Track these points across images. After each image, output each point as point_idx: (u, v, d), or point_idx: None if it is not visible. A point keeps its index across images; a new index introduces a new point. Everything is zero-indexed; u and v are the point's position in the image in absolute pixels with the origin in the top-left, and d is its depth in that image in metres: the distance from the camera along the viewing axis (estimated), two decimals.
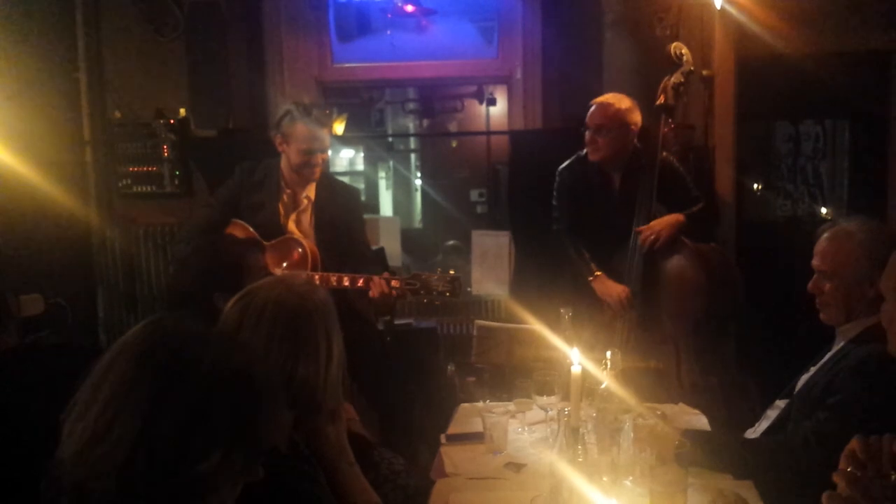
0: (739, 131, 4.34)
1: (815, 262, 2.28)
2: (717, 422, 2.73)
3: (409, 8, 4.73)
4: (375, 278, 3.17)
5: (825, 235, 2.27)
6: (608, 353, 2.48)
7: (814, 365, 2.36)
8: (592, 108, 3.55)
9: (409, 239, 6.72)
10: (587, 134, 3.55)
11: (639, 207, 3.54)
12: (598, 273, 3.57)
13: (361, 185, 9.42)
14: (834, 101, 4.45)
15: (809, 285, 2.30)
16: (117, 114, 4.82)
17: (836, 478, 1.23)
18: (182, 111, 4.75)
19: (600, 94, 3.82)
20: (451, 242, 6.90)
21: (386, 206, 9.91)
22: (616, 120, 3.49)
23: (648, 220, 3.51)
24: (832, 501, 1.18)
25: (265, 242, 3.29)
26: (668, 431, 2.20)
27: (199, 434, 1.11)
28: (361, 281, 3.19)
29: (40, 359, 2.20)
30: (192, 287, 2.28)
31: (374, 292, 3.16)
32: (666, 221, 3.50)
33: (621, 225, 3.56)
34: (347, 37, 5.26)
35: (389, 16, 4.90)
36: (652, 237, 3.46)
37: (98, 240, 4.86)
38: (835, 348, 2.30)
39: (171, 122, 4.75)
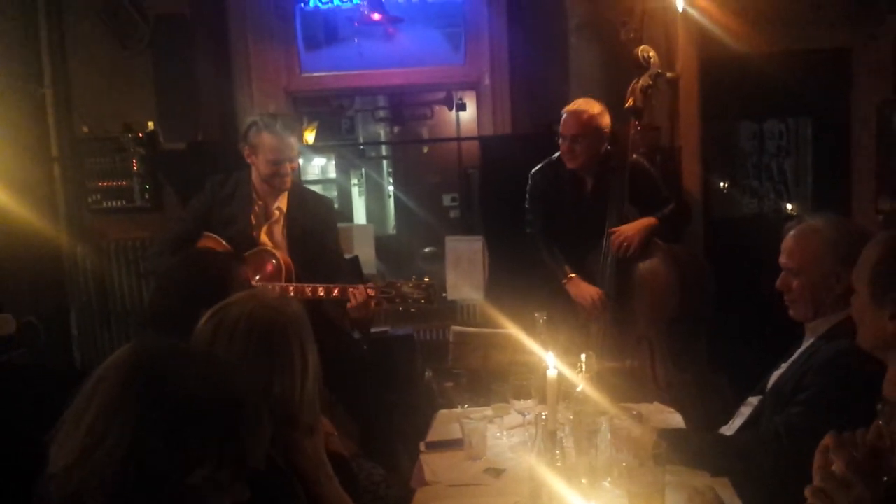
0: (704, 131, 4.40)
1: (782, 259, 2.31)
2: (692, 419, 2.76)
3: (376, 16, 4.74)
4: (355, 289, 3.15)
5: (791, 233, 2.29)
6: (583, 356, 2.50)
7: (784, 361, 2.40)
8: (565, 116, 3.58)
9: (384, 246, 6.72)
10: (563, 143, 3.58)
11: (610, 209, 3.58)
12: (572, 276, 3.61)
13: (334, 193, 9.41)
14: (796, 99, 4.52)
15: (777, 283, 2.32)
16: (85, 129, 4.78)
17: (814, 474, 1.25)
18: (150, 124, 4.72)
19: (568, 98, 3.87)
20: (427, 249, 6.91)
21: (359, 214, 9.91)
22: (590, 126, 3.53)
23: (620, 222, 3.56)
24: (814, 496, 1.20)
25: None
26: (644, 433, 2.23)
27: (186, 448, 1.14)
28: (337, 291, 3.19)
29: (12, 379, 2.18)
30: (177, 301, 2.26)
31: (353, 303, 3.14)
32: (637, 226, 3.55)
33: (594, 227, 3.61)
34: (315, 46, 5.27)
35: (356, 24, 4.91)
36: (625, 244, 3.51)
37: (69, 256, 4.81)
38: (805, 345, 2.34)
39: (140, 135, 4.72)
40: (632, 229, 3.53)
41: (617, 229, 3.54)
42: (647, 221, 3.56)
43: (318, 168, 9.81)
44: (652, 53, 3.74)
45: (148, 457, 1.12)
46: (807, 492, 1.22)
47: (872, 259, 1.70)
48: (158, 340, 1.27)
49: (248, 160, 3.36)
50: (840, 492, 1.17)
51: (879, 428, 1.31)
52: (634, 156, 3.66)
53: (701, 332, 4.17)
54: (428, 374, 4.01)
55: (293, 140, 3.34)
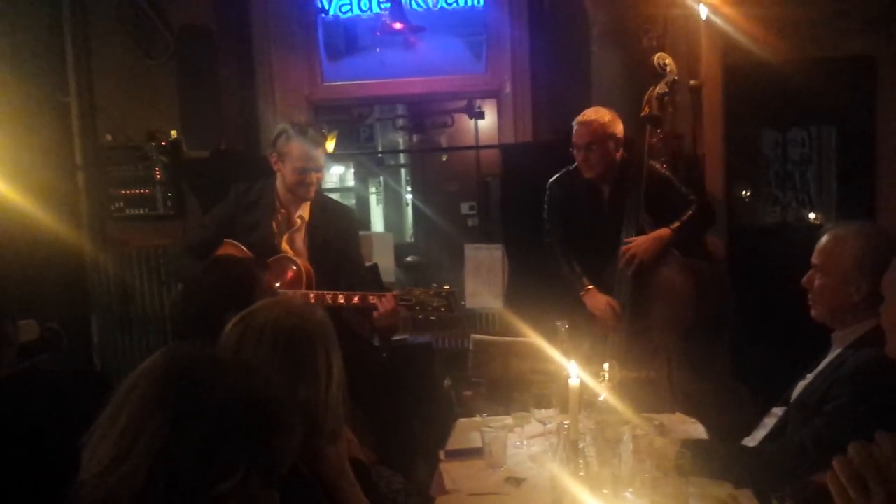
0: (727, 139, 4.38)
1: (813, 257, 2.33)
2: (713, 430, 2.74)
3: (398, 25, 4.76)
4: (381, 296, 3.16)
5: (827, 234, 2.32)
6: (605, 365, 2.49)
7: (810, 372, 2.38)
8: (576, 127, 3.58)
9: (402, 254, 6.73)
10: (578, 154, 3.58)
11: (627, 218, 3.57)
12: (590, 287, 3.60)
13: (352, 201, 9.43)
14: (820, 107, 4.49)
15: (804, 279, 2.35)
16: (109, 137, 4.82)
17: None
18: (174, 133, 4.76)
19: (589, 106, 3.86)
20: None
21: (377, 222, 9.93)
22: (602, 134, 3.53)
23: (637, 231, 3.55)
24: (850, 481, 1.17)
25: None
26: (667, 443, 2.22)
27: (218, 456, 1.13)
28: (357, 298, 3.20)
29: (38, 384, 2.20)
30: (202, 307, 2.28)
31: (380, 311, 3.14)
32: (647, 240, 3.52)
33: (611, 236, 3.60)
34: (337, 55, 5.30)
35: (378, 33, 4.94)
36: (634, 259, 3.50)
37: (91, 264, 4.85)
38: (831, 355, 2.32)
39: (163, 144, 4.76)
40: (639, 246, 3.52)
41: (628, 242, 3.53)
42: (659, 234, 3.54)
43: (336, 176, 9.84)
44: (668, 60, 3.73)
45: (179, 465, 1.11)
46: (837, 467, 1.17)
47: None
48: (190, 348, 1.26)
49: (275, 167, 3.38)
50: (878, 483, 1.14)
51: None
52: (651, 163, 3.64)
53: (721, 341, 4.14)
54: (447, 382, 4.00)
55: (321, 151, 3.37)
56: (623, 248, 3.52)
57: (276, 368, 1.70)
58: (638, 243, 3.52)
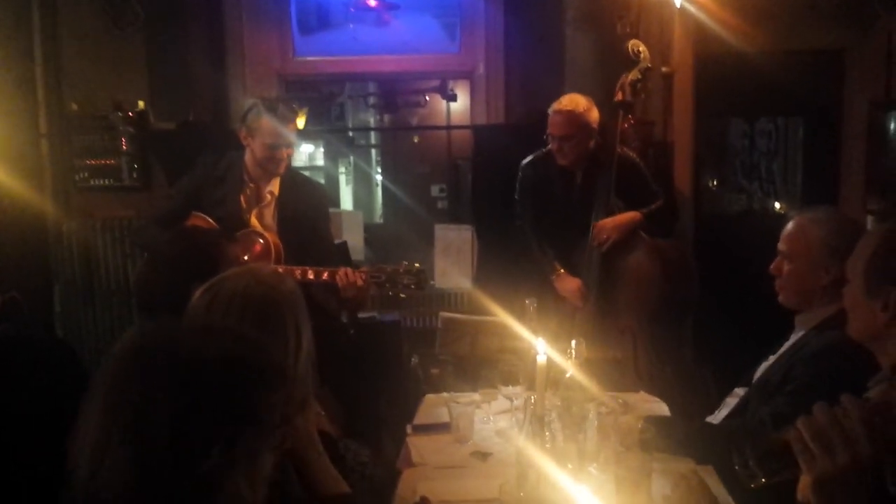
0: (697, 128, 4.42)
1: (779, 244, 2.36)
2: (676, 409, 2.79)
3: (372, 2, 4.74)
4: (342, 270, 3.14)
5: (793, 221, 2.35)
6: (573, 343, 2.52)
7: (773, 354, 2.43)
8: (552, 115, 3.57)
9: (371, 234, 6.71)
10: (552, 142, 3.59)
11: (597, 202, 3.60)
12: (561, 271, 3.63)
13: (321, 181, 9.37)
14: (788, 98, 4.56)
15: (771, 266, 2.38)
16: (74, 106, 4.73)
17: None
18: (141, 104, 4.68)
19: (562, 89, 3.88)
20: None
21: (346, 202, 9.88)
22: (579, 125, 3.54)
23: (607, 215, 3.58)
24: (814, 439, 1.20)
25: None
26: (631, 419, 2.25)
27: (195, 425, 1.08)
28: (326, 274, 3.18)
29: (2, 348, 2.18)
30: (167, 277, 2.26)
31: (342, 283, 3.13)
32: (618, 220, 3.56)
33: (582, 219, 3.63)
34: (309, 30, 5.24)
35: (352, 9, 4.90)
36: (604, 237, 3.53)
37: (54, 233, 4.77)
38: (794, 337, 2.37)
39: (130, 114, 4.67)
40: (612, 223, 3.55)
41: (598, 223, 3.56)
42: (630, 216, 3.58)
43: (305, 155, 9.76)
44: (642, 48, 3.75)
45: (155, 443, 1.06)
46: (801, 426, 1.20)
47: (868, 250, 1.71)
48: (153, 322, 1.22)
49: (244, 142, 3.33)
50: (841, 443, 1.17)
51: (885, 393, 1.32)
52: (623, 149, 3.67)
53: (685, 325, 4.20)
54: (414, 360, 4.01)
55: (291, 126, 3.31)
56: (596, 226, 3.55)
57: None
58: (610, 222, 3.55)
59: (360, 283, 3.11)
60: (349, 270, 3.14)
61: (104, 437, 1.08)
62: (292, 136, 3.33)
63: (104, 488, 1.06)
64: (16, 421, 1.62)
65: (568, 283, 3.61)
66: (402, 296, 3.52)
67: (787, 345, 2.37)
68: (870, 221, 4.08)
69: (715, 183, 4.99)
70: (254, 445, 1.14)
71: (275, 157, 3.29)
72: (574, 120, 3.52)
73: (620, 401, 2.65)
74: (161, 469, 1.06)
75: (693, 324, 4.20)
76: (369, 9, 4.81)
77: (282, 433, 1.19)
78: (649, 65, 3.77)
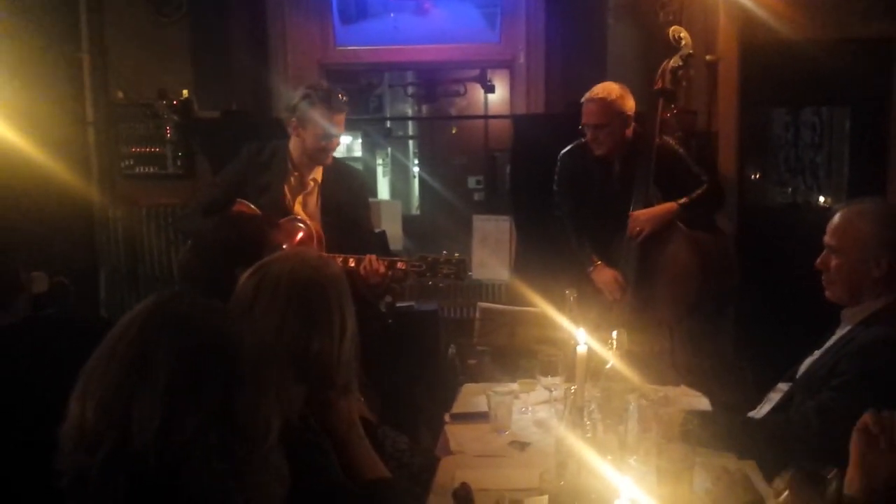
0: (742, 117, 4.35)
1: (825, 237, 2.30)
2: (718, 404, 2.76)
3: None
4: (367, 258, 3.15)
5: (838, 213, 2.29)
6: (614, 333, 2.50)
7: (818, 349, 2.38)
8: (587, 104, 3.52)
9: (408, 225, 6.74)
10: (588, 132, 3.55)
11: (636, 192, 3.55)
12: (598, 263, 3.60)
13: None
14: (835, 87, 4.46)
15: (818, 261, 2.32)
16: (120, 94, 4.81)
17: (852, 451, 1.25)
18: (185, 92, 4.74)
19: (603, 80, 3.83)
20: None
21: (384, 193, 9.93)
22: (611, 113, 3.49)
23: (645, 205, 3.53)
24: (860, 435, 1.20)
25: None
26: (672, 411, 2.23)
27: (182, 396, 1.10)
28: (352, 261, 3.19)
29: (50, 330, 2.23)
30: (211, 261, 2.29)
31: (365, 272, 3.13)
32: (653, 212, 3.51)
33: (620, 210, 3.58)
34: (350, 19, 5.26)
35: None
36: (637, 229, 3.49)
37: (100, 220, 4.86)
38: (840, 332, 2.32)
39: (175, 103, 4.74)
40: (646, 215, 3.50)
41: (633, 214, 3.52)
42: (666, 207, 3.51)
43: (343, 146, 9.82)
44: (683, 34, 3.67)
45: (140, 410, 1.08)
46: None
47: None
48: (177, 292, 1.24)
49: (293, 132, 3.33)
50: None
51: None
52: (663, 137, 3.62)
53: (724, 319, 4.15)
54: (452, 350, 4.02)
55: (342, 116, 3.32)
56: (631, 216, 3.51)
57: (290, 319, 1.71)
58: (644, 213, 3.51)
59: (381, 270, 3.12)
60: (373, 258, 3.15)
61: (116, 393, 1.10)
62: (341, 127, 3.34)
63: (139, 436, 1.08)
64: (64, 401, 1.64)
65: (605, 275, 3.58)
66: (441, 285, 3.54)
67: (832, 339, 2.33)
68: None
69: (758, 175, 4.91)
70: (225, 439, 1.14)
71: (326, 148, 3.31)
72: (607, 108, 3.48)
73: (661, 394, 2.62)
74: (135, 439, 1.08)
75: (735, 318, 4.14)
76: None
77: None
78: (691, 51, 3.69)
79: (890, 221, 2.16)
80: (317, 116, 3.24)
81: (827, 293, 2.32)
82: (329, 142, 3.29)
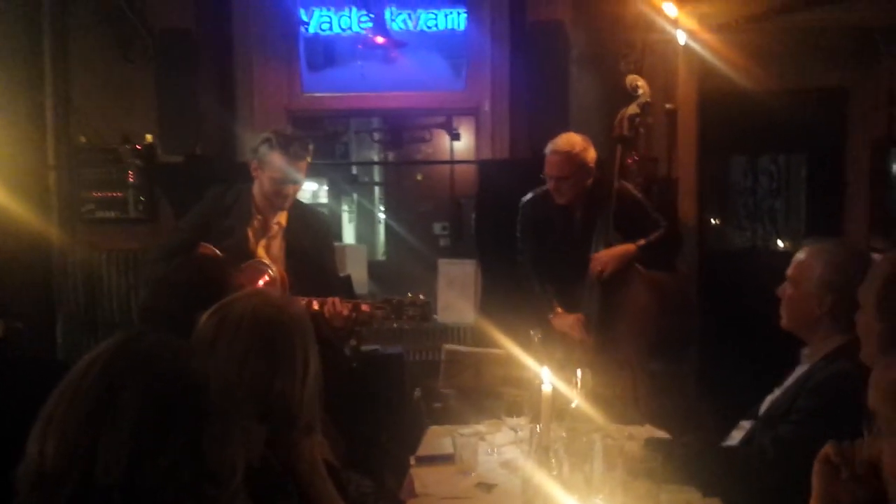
0: (701, 164, 4.45)
1: (788, 269, 2.39)
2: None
3: (380, 39, 4.78)
4: (330, 300, 3.14)
5: (803, 249, 2.39)
6: (578, 372, 2.51)
7: (779, 386, 2.42)
8: (549, 156, 3.58)
9: (374, 271, 6.73)
10: (551, 182, 3.60)
11: (596, 237, 3.61)
12: (559, 310, 3.62)
13: None
14: (791, 136, 4.60)
15: (778, 289, 2.40)
16: (83, 138, 4.77)
17: (814, 479, 1.26)
18: (149, 137, 4.72)
19: (566, 128, 3.90)
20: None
21: (349, 239, 9.91)
22: (575, 166, 3.55)
23: (606, 248, 3.58)
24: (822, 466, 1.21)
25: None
26: (636, 446, 2.23)
27: (151, 435, 1.08)
28: (316, 304, 3.18)
29: (5, 372, 2.17)
30: (172, 304, 2.25)
31: (329, 313, 3.12)
32: (613, 252, 3.56)
33: (582, 256, 3.63)
34: (317, 66, 5.30)
35: (360, 46, 4.95)
36: (599, 268, 3.53)
37: (59, 264, 4.78)
38: (800, 370, 2.37)
39: (138, 147, 4.72)
40: (608, 254, 3.55)
41: (595, 255, 3.57)
42: (625, 247, 3.57)
43: (309, 193, 9.82)
44: (641, 82, 3.77)
45: (105, 450, 1.06)
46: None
47: (881, 276, 1.72)
48: (142, 332, 1.22)
49: (254, 174, 3.34)
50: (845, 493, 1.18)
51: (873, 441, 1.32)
52: (622, 183, 3.68)
53: (685, 360, 4.19)
54: (417, 393, 3.98)
55: (302, 164, 3.33)
56: (593, 257, 3.56)
57: (252, 358, 1.69)
58: (605, 254, 3.55)
59: (345, 312, 3.11)
60: (336, 300, 3.14)
61: (77, 435, 1.08)
62: (300, 174, 3.34)
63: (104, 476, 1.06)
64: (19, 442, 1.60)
65: (565, 320, 3.60)
66: (407, 327, 3.54)
67: (793, 377, 2.37)
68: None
69: (718, 221, 5.01)
70: (196, 478, 1.12)
71: (280, 193, 3.31)
72: (570, 160, 3.54)
73: (626, 433, 2.63)
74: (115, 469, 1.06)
75: (697, 358, 4.18)
76: (377, 46, 4.86)
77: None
78: (648, 99, 3.78)
79: (838, 266, 2.24)
80: (275, 160, 3.25)
81: (781, 321, 2.41)
82: (284, 187, 3.29)
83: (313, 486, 1.81)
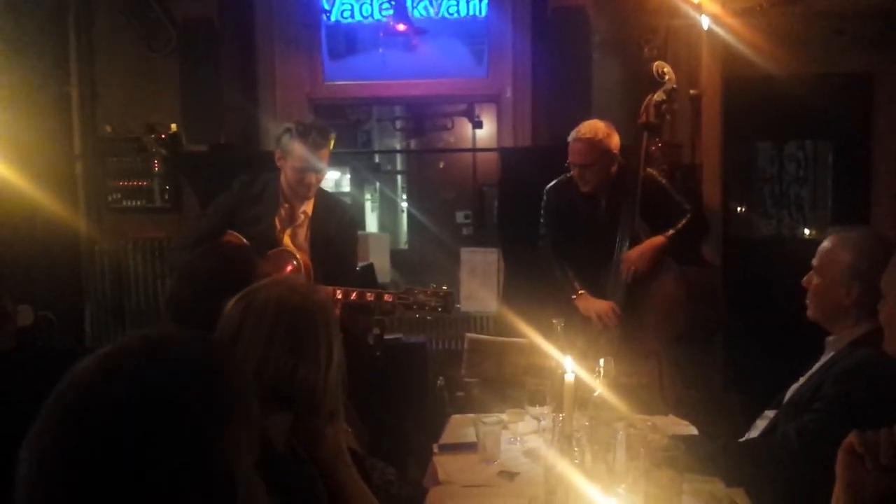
0: (725, 151, 4.41)
1: (814, 258, 2.38)
2: (705, 432, 2.76)
3: (401, 27, 4.77)
4: (355, 289, 3.20)
5: (829, 237, 2.37)
6: (601, 361, 2.50)
7: (803, 375, 2.40)
8: (572, 143, 3.56)
9: (396, 260, 6.75)
10: (575, 170, 3.58)
11: (622, 225, 3.59)
12: (581, 292, 3.61)
13: None
14: (817, 122, 4.54)
15: (804, 278, 2.39)
16: (108, 128, 4.82)
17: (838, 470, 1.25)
18: (173, 126, 4.76)
19: (589, 114, 3.87)
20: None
21: (372, 227, 9.94)
22: (599, 152, 3.52)
23: (631, 237, 3.57)
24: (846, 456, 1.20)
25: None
26: (660, 438, 2.23)
27: (161, 431, 0.95)
28: (355, 294, 3.22)
29: (35, 362, 2.20)
30: (198, 291, 2.27)
31: (351, 303, 3.17)
32: (643, 250, 3.54)
33: (607, 243, 3.62)
34: (338, 55, 5.30)
35: (381, 34, 4.95)
36: (632, 268, 3.52)
37: (87, 253, 4.84)
38: (824, 358, 2.35)
39: (162, 136, 4.76)
40: (637, 254, 3.54)
41: (624, 255, 3.55)
42: (654, 242, 3.55)
43: (332, 181, 9.85)
44: (667, 69, 3.74)
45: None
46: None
47: None
48: (161, 329, 1.11)
49: (278, 164, 3.40)
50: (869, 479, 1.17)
51: None
52: (647, 170, 3.66)
53: (713, 350, 4.16)
54: (440, 382, 3.99)
55: (323, 152, 3.37)
56: (623, 258, 3.54)
57: (277, 345, 1.70)
58: (635, 253, 3.53)
59: (369, 302, 3.18)
60: (361, 290, 3.20)
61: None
62: (322, 163, 3.38)
63: None
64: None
65: (592, 304, 3.59)
66: (429, 318, 3.55)
67: (817, 365, 2.35)
68: None
69: (743, 208, 4.96)
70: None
71: (303, 181, 3.35)
72: (594, 147, 3.52)
73: (649, 423, 2.62)
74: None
75: (723, 348, 4.15)
76: (398, 34, 4.86)
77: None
78: (674, 86, 3.76)
79: (865, 254, 2.21)
80: (296, 149, 3.31)
81: (808, 311, 2.39)
82: (306, 175, 3.33)
83: (337, 473, 1.83)
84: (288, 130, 3.36)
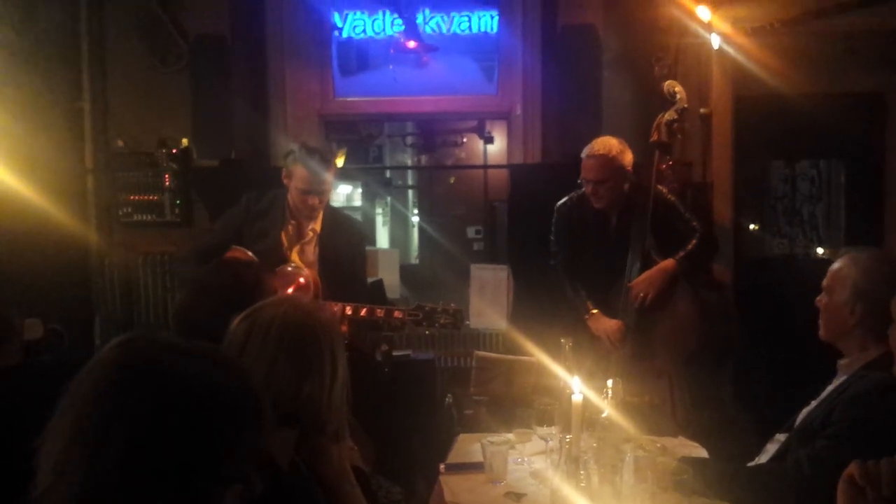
0: (736, 169, 4.39)
1: (825, 278, 2.36)
2: (715, 455, 2.73)
3: (412, 44, 4.79)
4: (365, 306, 3.21)
5: (841, 257, 2.35)
6: (609, 382, 2.48)
7: (815, 399, 2.37)
8: (585, 160, 3.55)
9: (407, 275, 6.74)
10: (588, 186, 3.57)
11: (633, 243, 3.57)
12: (594, 311, 3.59)
13: None
14: (829, 141, 4.52)
15: (817, 298, 2.37)
16: (120, 143, 4.85)
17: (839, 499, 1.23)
18: (184, 141, 4.78)
19: (599, 131, 3.86)
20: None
21: (383, 242, 9.94)
22: (613, 169, 3.51)
23: (642, 256, 3.54)
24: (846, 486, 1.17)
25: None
26: (668, 460, 2.20)
27: (150, 454, 1.02)
28: (364, 311, 3.21)
29: (43, 375, 2.20)
30: (206, 307, 2.27)
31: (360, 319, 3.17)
32: (652, 277, 3.51)
33: (617, 260, 3.60)
34: (349, 71, 5.33)
35: (392, 51, 4.96)
36: (641, 295, 3.50)
37: (97, 267, 4.86)
38: (836, 382, 2.32)
39: (174, 151, 4.78)
40: (646, 281, 3.51)
41: (633, 283, 3.52)
42: (663, 267, 3.52)
43: (343, 196, 9.88)
44: (678, 88, 3.73)
45: (106, 462, 1.01)
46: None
47: None
48: (149, 334, 1.15)
49: (285, 182, 3.42)
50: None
51: None
52: (659, 188, 3.64)
53: (724, 370, 4.12)
54: (448, 399, 3.97)
55: (326, 176, 3.37)
56: (632, 286, 3.51)
57: (281, 363, 1.70)
58: (644, 279, 3.51)
59: (378, 318, 3.16)
60: (371, 307, 3.20)
61: (68, 449, 1.03)
62: (326, 185, 3.39)
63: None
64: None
65: (603, 324, 3.57)
66: (438, 334, 3.54)
67: (828, 389, 2.32)
68: None
69: (756, 226, 4.93)
70: (212, 488, 1.06)
71: (306, 203, 3.37)
72: (607, 164, 3.50)
73: (658, 445, 2.60)
74: (108, 493, 1.00)
75: (734, 369, 4.11)
76: (409, 51, 4.87)
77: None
78: (686, 105, 3.75)
79: (869, 274, 2.20)
80: (298, 172, 3.33)
81: (819, 332, 2.37)
82: (309, 197, 3.34)
83: (342, 493, 1.82)
84: (292, 153, 3.40)
